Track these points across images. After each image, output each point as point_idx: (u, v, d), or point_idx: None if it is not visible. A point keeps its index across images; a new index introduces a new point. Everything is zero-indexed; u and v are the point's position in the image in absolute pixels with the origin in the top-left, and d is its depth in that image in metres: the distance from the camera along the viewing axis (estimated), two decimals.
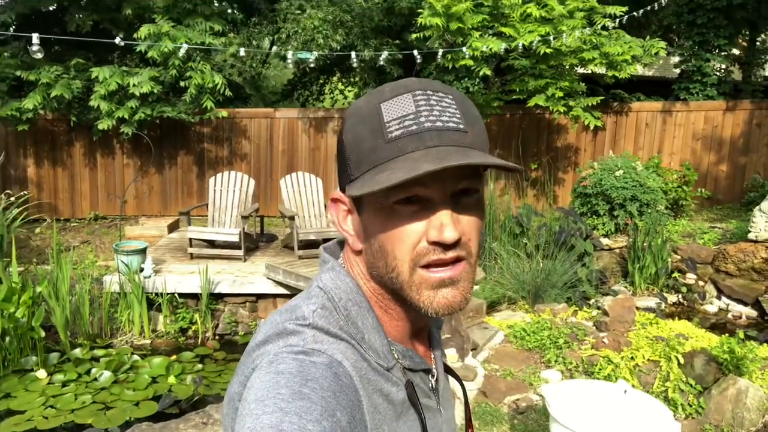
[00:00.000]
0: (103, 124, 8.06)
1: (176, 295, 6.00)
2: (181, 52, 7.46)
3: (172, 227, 8.14)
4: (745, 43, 10.78)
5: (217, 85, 8.20)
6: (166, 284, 5.91)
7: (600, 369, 4.12)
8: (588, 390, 2.96)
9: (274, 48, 14.55)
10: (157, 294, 5.93)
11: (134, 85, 7.91)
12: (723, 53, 9.78)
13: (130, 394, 4.78)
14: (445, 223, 0.64)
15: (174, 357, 5.47)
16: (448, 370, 0.86)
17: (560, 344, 4.51)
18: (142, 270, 5.97)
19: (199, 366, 5.36)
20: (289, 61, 7.61)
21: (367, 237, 0.69)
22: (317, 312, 0.68)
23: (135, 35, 7.86)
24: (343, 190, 0.71)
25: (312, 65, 8.15)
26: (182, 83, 8.29)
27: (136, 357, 5.35)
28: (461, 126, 0.66)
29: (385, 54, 8.00)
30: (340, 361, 0.64)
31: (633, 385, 3.71)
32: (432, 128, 0.64)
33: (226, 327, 6.13)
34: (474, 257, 0.68)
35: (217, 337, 6.04)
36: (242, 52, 8.08)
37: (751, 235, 6.56)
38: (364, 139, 0.65)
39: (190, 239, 6.65)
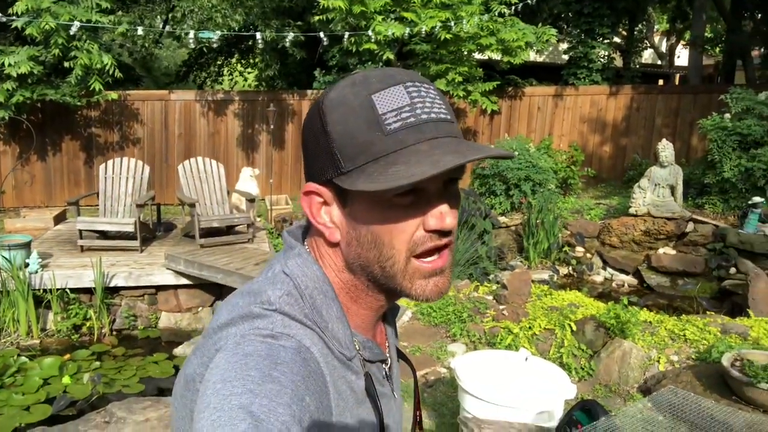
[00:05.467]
0: None
1: (67, 290, 5.61)
2: (73, 30, 6.86)
3: (59, 219, 7.57)
4: (625, 33, 11.62)
5: (105, 66, 7.68)
6: (55, 279, 5.51)
7: (501, 339, 4.34)
8: (493, 359, 3.12)
9: (167, 27, 13.82)
10: (45, 290, 5.51)
11: (10, 65, 7.23)
12: (606, 41, 10.50)
13: (18, 398, 4.43)
14: (445, 212, 0.66)
15: (67, 356, 5.13)
16: (401, 356, 0.87)
17: (464, 318, 4.70)
18: (27, 265, 5.52)
19: (97, 364, 5.05)
20: (190, 40, 7.26)
21: (355, 228, 0.67)
22: (283, 298, 0.67)
23: (10, 10, 7.17)
24: (322, 182, 0.67)
25: (215, 45, 7.85)
26: (66, 64, 7.68)
27: (23, 359, 4.95)
28: (449, 117, 0.68)
29: (291, 36, 7.84)
30: (309, 347, 0.64)
31: (532, 353, 3.94)
32: (429, 120, 0.65)
33: (124, 322, 5.82)
34: (454, 243, 0.71)
35: (114, 333, 5.72)
36: (140, 30, 7.62)
37: (631, 210, 7.14)
38: (359, 132, 0.64)
39: (80, 231, 6.22)
